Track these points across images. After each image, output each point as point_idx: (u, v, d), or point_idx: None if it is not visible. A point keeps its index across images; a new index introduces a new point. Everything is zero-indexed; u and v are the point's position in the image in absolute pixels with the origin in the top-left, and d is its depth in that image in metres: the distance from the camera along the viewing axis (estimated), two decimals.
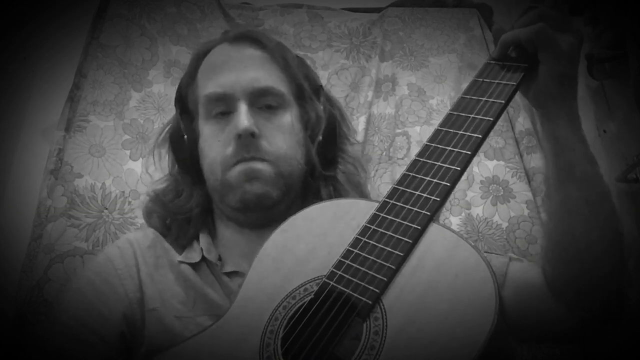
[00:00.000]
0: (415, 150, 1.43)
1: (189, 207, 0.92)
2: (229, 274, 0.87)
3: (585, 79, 1.58)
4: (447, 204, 1.38)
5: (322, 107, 0.95)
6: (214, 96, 0.89)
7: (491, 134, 1.45)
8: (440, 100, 1.52)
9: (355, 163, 0.98)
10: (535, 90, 0.75)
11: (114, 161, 1.34)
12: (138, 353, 0.82)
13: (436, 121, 1.47)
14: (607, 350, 1.28)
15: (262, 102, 0.89)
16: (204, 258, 0.89)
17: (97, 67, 1.44)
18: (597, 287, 0.74)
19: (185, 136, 0.92)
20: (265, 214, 0.88)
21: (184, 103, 0.96)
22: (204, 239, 0.91)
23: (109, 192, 1.30)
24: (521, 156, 1.45)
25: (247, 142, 0.85)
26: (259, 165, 0.86)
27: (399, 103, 1.51)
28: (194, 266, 0.88)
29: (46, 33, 1.55)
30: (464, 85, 1.60)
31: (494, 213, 1.37)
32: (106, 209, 1.29)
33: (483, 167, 1.43)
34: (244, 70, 0.90)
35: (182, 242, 0.91)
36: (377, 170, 1.43)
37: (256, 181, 0.85)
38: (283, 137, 0.89)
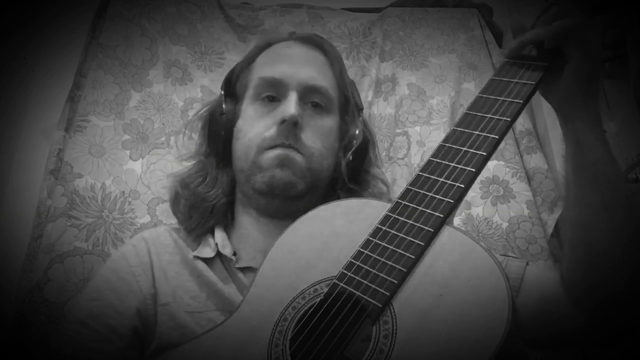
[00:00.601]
0: (415, 150, 1.44)
1: (215, 195, 0.93)
2: (243, 270, 0.87)
3: None
4: None
5: (359, 127, 0.97)
6: (269, 80, 0.92)
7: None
8: (440, 100, 1.52)
9: (379, 183, 0.99)
10: (556, 90, 0.73)
11: (114, 161, 1.34)
12: (149, 348, 0.83)
13: (436, 121, 1.48)
14: (606, 350, 1.28)
15: (311, 98, 0.92)
16: (218, 253, 0.89)
17: (97, 67, 1.44)
18: (616, 294, 0.72)
19: (224, 114, 0.94)
20: (286, 203, 0.89)
21: (232, 87, 0.98)
22: (219, 234, 0.92)
23: (109, 192, 1.30)
24: (521, 156, 1.45)
25: (289, 129, 0.87)
26: (294, 155, 0.87)
27: (399, 103, 1.51)
28: (208, 261, 0.89)
29: (46, 33, 1.55)
30: (465, 85, 1.61)
31: (494, 213, 1.37)
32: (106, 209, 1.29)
33: None
34: (302, 65, 0.93)
35: (199, 232, 0.92)
36: None
37: (287, 169, 0.87)
38: (321, 137, 0.91)
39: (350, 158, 0.94)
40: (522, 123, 1.48)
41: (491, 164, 1.43)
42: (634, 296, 0.73)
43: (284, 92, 0.90)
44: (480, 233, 1.35)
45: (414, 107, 1.51)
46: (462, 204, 1.38)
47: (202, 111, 1.01)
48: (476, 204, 1.38)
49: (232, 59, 1.54)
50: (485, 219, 1.36)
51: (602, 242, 0.71)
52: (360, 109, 1.01)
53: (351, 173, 0.94)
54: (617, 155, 1.52)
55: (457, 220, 1.36)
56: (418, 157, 1.43)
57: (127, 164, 1.35)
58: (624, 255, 0.71)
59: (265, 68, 0.94)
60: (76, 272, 1.20)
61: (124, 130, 1.38)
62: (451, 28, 1.64)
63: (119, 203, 1.30)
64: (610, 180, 0.72)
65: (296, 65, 0.93)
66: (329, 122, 0.93)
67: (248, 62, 0.98)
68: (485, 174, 1.42)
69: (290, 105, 0.87)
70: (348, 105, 0.98)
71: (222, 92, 0.98)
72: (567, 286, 0.75)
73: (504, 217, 1.36)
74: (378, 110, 1.51)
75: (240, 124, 0.93)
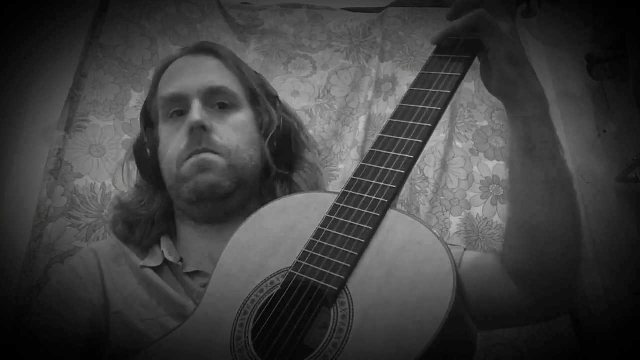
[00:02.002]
0: None
1: (153, 209, 0.96)
2: (191, 274, 0.89)
3: (585, 79, 1.58)
4: (447, 204, 1.38)
5: (275, 113, 0.99)
6: (170, 96, 0.94)
7: (491, 133, 1.47)
8: None
9: (312, 168, 1.02)
10: (495, 79, 0.77)
11: (114, 161, 1.34)
12: (102, 358, 0.84)
13: None
14: (606, 350, 1.29)
15: (215, 100, 0.94)
16: (165, 261, 0.91)
17: (97, 67, 1.44)
18: (555, 271, 0.77)
19: (146, 144, 0.97)
20: (218, 205, 0.91)
21: (148, 117, 1.01)
22: (165, 242, 0.93)
23: (109, 192, 1.30)
24: None
25: (199, 135, 0.89)
26: (210, 157, 0.89)
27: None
28: (156, 270, 0.90)
29: (46, 33, 1.55)
30: (465, 85, 1.61)
31: (494, 213, 1.37)
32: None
33: (483, 167, 1.43)
34: (198, 74, 0.95)
35: (145, 244, 0.94)
36: None
37: (208, 172, 0.89)
38: (235, 133, 0.93)
39: (275, 144, 0.96)
40: None
41: (491, 164, 1.43)
42: (570, 271, 0.78)
43: (187, 103, 0.92)
44: (480, 233, 1.35)
45: None
46: (462, 204, 1.38)
47: (130, 149, 1.04)
48: (476, 204, 1.38)
49: None
50: (485, 219, 1.36)
51: (542, 218, 0.75)
52: (274, 96, 1.03)
53: (280, 159, 0.96)
54: (617, 155, 1.52)
55: (456, 220, 1.36)
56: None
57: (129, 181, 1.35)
58: (562, 231, 0.76)
59: (166, 87, 0.96)
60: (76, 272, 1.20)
61: (124, 130, 1.38)
62: None
63: None
64: (553, 157, 0.76)
65: (192, 74, 0.95)
66: (240, 116, 0.95)
67: (153, 89, 1.01)
68: (485, 174, 1.42)
69: (194, 112, 0.90)
70: (256, 97, 1.00)
71: (142, 125, 1.01)
72: (509, 265, 0.79)
73: (504, 217, 1.36)
74: (378, 110, 1.51)
75: (161, 146, 0.96)
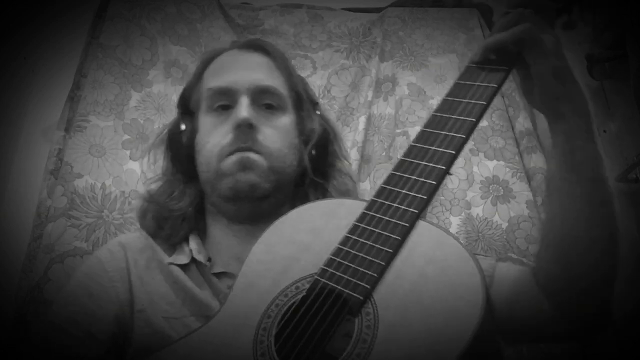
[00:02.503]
0: None
1: (183, 206, 0.94)
2: (218, 275, 0.88)
3: (585, 79, 1.58)
4: (447, 204, 1.38)
5: (316, 120, 0.98)
6: (218, 89, 0.93)
7: (491, 133, 1.47)
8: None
9: (344, 176, 1.00)
10: (539, 94, 0.75)
11: (114, 161, 1.34)
12: (127, 354, 0.83)
13: None
14: (606, 350, 1.29)
15: (263, 99, 0.92)
16: (193, 259, 0.90)
17: (97, 67, 1.44)
18: (588, 289, 0.75)
19: (183, 132, 0.95)
20: (255, 205, 0.90)
21: (186, 104, 0.99)
22: (193, 241, 0.92)
23: (109, 192, 1.30)
24: (521, 156, 1.45)
25: (245, 132, 0.88)
26: (253, 156, 0.88)
27: (399, 103, 1.51)
28: (183, 267, 0.89)
29: (46, 33, 1.55)
30: None
31: (494, 213, 1.37)
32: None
33: (483, 167, 1.43)
34: (248, 70, 0.94)
35: (174, 241, 0.92)
36: (376, 171, 1.43)
37: (250, 171, 0.87)
38: (279, 135, 0.91)
39: (313, 152, 0.95)
40: (522, 123, 1.48)
41: (491, 164, 1.43)
42: (605, 290, 0.76)
43: (234, 98, 0.91)
44: (480, 233, 1.35)
45: (414, 107, 1.51)
46: (462, 204, 1.38)
47: (162, 134, 1.02)
48: (476, 204, 1.38)
49: None
50: (485, 219, 1.36)
51: (579, 235, 0.74)
52: (315, 103, 1.02)
53: (315, 166, 0.95)
54: (617, 155, 1.52)
55: (456, 220, 1.36)
56: None
57: (127, 164, 1.35)
58: (598, 248, 0.74)
59: (214, 79, 0.95)
60: (70, 275, 1.20)
61: (124, 130, 1.38)
62: (451, 28, 1.64)
63: (119, 203, 1.30)
64: (595, 174, 0.74)
65: (242, 70, 0.94)
66: (285, 120, 0.94)
67: (197, 78, 0.99)
68: (485, 174, 1.42)
69: (242, 109, 0.89)
70: (301, 101, 0.99)
71: (179, 111, 1.00)
72: (542, 280, 0.78)
73: (504, 217, 1.36)
74: (378, 110, 1.51)
75: (199, 137, 0.94)
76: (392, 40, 1.61)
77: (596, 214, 0.74)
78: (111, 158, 1.35)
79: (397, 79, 1.55)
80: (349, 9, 1.68)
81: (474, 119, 0.71)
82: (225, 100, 0.92)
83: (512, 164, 1.43)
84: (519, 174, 1.41)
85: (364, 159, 1.44)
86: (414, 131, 1.47)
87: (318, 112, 1.01)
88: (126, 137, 1.38)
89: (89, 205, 1.28)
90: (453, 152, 0.69)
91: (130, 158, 1.36)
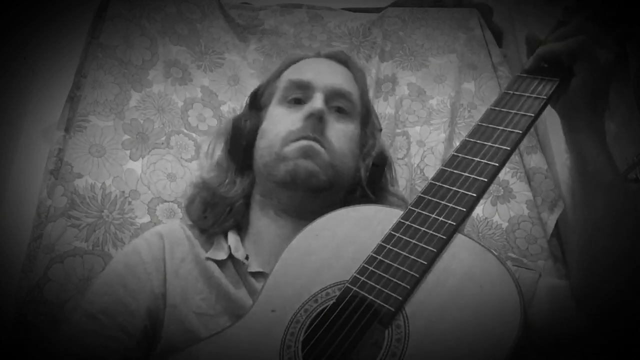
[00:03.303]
0: (415, 150, 1.44)
1: (234, 195, 0.95)
2: (255, 274, 0.87)
3: None
4: None
5: (377, 141, 1.01)
6: (297, 82, 0.96)
7: None
8: (440, 100, 1.52)
9: (399, 200, 1.02)
10: (564, 100, 0.75)
11: (114, 161, 1.34)
12: (156, 348, 0.83)
13: (436, 121, 1.48)
14: (606, 350, 1.28)
15: (336, 102, 0.95)
16: (230, 256, 0.89)
17: (97, 67, 1.44)
18: (624, 302, 0.73)
19: (248, 120, 0.97)
20: (307, 196, 0.90)
21: (258, 99, 1.03)
22: (232, 238, 0.92)
23: (109, 192, 1.30)
24: (521, 156, 1.45)
25: (315, 123, 0.90)
26: (318, 147, 0.90)
27: (399, 103, 1.51)
28: (220, 264, 0.88)
29: (46, 33, 1.55)
30: (465, 86, 1.61)
31: (494, 213, 1.37)
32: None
33: None
34: (329, 73, 0.99)
35: (214, 230, 0.93)
36: None
37: (311, 159, 0.89)
38: (344, 138, 0.94)
39: (370, 167, 0.96)
40: None
41: None
42: (634, 300, 0.74)
43: (310, 94, 0.94)
44: (480, 233, 1.35)
45: (414, 107, 1.51)
46: None
47: (224, 127, 1.05)
48: None
49: (232, 59, 1.54)
50: (485, 219, 1.36)
51: (608, 247, 0.72)
52: (379, 128, 1.06)
53: (370, 184, 0.96)
54: (617, 155, 1.52)
55: None
56: (418, 157, 1.43)
57: (127, 164, 1.35)
58: (629, 261, 0.72)
59: (294, 73, 0.99)
60: (76, 272, 1.20)
61: (124, 130, 1.38)
62: (451, 28, 1.64)
63: (119, 203, 1.30)
64: (613, 187, 0.74)
65: (323, 72, 0.98)
66: (352, 127, 0.96)
67: (276, 76, 1.03)
68: None
69: (318, 101, 0.91)
70: (369, 119, 1.02)
71: (247, 102, 1.03)
72: (577, 296, 0.76)
73: (504, 217, 1.36)
74: (378, 110, 1.51)
75: (265, 125, 0.96)
76: (392, 40, 1.61)
77: (622, 226, 0.73)
78: (111, 158, 1.35)
79: (397, 79, 1.55)
80: (349, 9, 1.68)
81: (520, 131, 0.69)
82: (300, 94, 0.95)
83: (512, 164, 1.43)
84: (519, 174, 1.41)
85: None
86: (413, 131, 1.47)
87: (379, 136, 1.04)
88: (126, 137, 1.38)
89: (89, 205, 1.28)
90: (497, 164, 0.68)
91: (130, 158, 1.36)
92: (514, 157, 1.44)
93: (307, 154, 0.89)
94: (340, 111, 0.95)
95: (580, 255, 0.76)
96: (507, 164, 1.40)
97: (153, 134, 1.40)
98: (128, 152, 1.36)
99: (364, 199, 0.95)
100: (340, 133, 0.93)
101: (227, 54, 1.55)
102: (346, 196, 0.96)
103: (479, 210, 1.37)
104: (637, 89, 1.38)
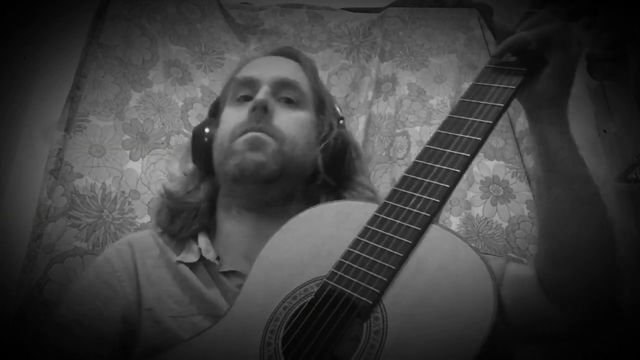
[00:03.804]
0: (415, 150, 1.44)
1: (198, 199, 0.95)
2: (227, 274, 0.88)
3: (585, 79, 1.58)
4: (447, 204, 1.38)
5: (336, 128, 1.00)
6: (242, 79, 0.97)
7: (491, 134, 1.47)
8: (440, 100, 1.52)
9: (364, 187, 1.00)
10: (530, 91, 0.76)
11: (114, 161, 1.34)
12: (133, 354, 0.83)
13: (436, 121, 1.48)
14: (606, 350, 1.29)
15: (283, 93, 0.95)
16: (201, 258, 0.90)
17: (97, 67, 1.44)
18: (590, 289, 0.75)
19: (207, 126, 0.98)
20: (260, 187, 0.90)
21: (217, 106, 1.03)
22: (202, 240, 0.92)
23: (109, 192, 1.30)
24: (521, 156, 1.45)
25: (260, 114, 0.90)
26: (264, 137, 0.89)
27: (399, 103, 1.51)
28: (192, 266, 0.89)
29: (46, 33, 1.55)
30: (465, 86, 1.61)
31: (494, 213, 1.37)
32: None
33: (483, 167, 1.43)
34: (275, 67, 0.99)
35: (183, 235, 0.93)
36: (376, 170, 1.43)
37: (257, 150, 0.89)
38: (294, 125, 0.93)
39: (329, 154, 0.95)
40: (522, 123, 1.48)
41: (491, 164, 1.43)
42: (607, 287, 0.77)
43: (256, 89, 0.94)
44: (480, 233, 1.35)
45: (414, 107, 1.51)
46: (462, 204, 1.38)
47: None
48: (476, 204, 1.38)
49: (232, 59, 1.54)
50: (485, 219, 1.36)
51: (575, 239, 0.75)
52: (339, 117, 1.05)
53: (329, 168, 0.95)
54: (617, 155, 1.52)
55: (456, 220, 1.36)
56: None
57: (127, 164, 1.35)
58: (597, 252, 0.75)
59: (239, 72, 1.00)
60: (76, 272, 1.20)
61: (124, 130, 1.38)
62: (451, 28, 1.64)
63: (119, 203, 1.30)
64: (576, 177, 0.76)
65: (269, 67, 0.99)
66: (303, 115, 0.96)
67: (229, 80, 1.04)
68: (485, 174, 1.42)
69: (260, 93, 0.92)
70: (324, 107, 1.01)
71: (209, 112, 1.05)
72: (542, 281, 0.79)
73: (504, 217, 1.36)
74: (378, 110, 1.51)
75: (220, 126, 0.97)
76: (392, 40, 1.61)
77: (585, 214, 0.75)
78: (111, 158, 1.35)
79: (397, 79, 1.55)
80: (349, 9, 1.68)
81: (490, 121, 0.70)
82: (247, 91, 0.95)
83: (512, 164, 1.43)
84: (519, 174, 1.41)
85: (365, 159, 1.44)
86: (414, 131, 1.47)
87: (341, 122, 1.03)
88: (126, 137, 1.38)
89: (89, 205, 1.28)
90: (468, 155, 0.68)
91: (130, 158, 1.36)
92: (514, 157, 1.44)
93: (253, 145, 0.89)
94: (289, 102, 0.95)
95: (548, 244, 0.78)
96: (507, 164, 1.42)
97: (153, 134, 1.40)
98: (128, 152, 1.36)
99: (325, 188, 0.94)
100: (290, 120, 0.93)
101: (227, 54, 1.55)
102: (307, 185, 0.95)
103: (478, 210, 1.37)
104: (637, 89, 1.39)
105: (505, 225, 1.35)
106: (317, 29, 1.62)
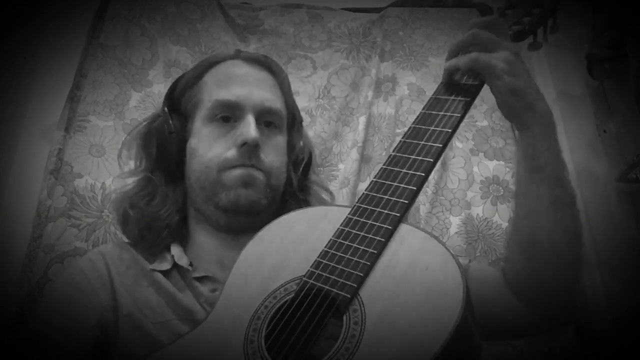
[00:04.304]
0: None
1: (166, 214, 0.94)
2: (200, 279, 0.89)
3: (585, 79, 1.58)
4: (447, 204, 1.38)
5: (303, 139, 1.03)
6: (225, 102, 0.94)
7: (491, 133, 1.47)
8: None
9: (322, 191, 1.06)
10: (500, 108, 0.81)
11: (114, 161, 1.34)
12: (113, 358, 0.84)
13: None
14: (606, 349, 1.29)
15: (265, 118, 0.95)
16: (174, 265, 0.91)
17: (97, 67, 1.44)
18: (556, 288, 0.79)
19: (174, 133, 0.95)
20: (249, 219, 0.92)
21: (177, 102, 0.99)
22: (175, 249, 0.93)
23: (109, 192, 1.30)
24: None
25: (251, 150, 0.90)
26: (256, 174, 0.91)
27: (399, 103, 1.51)
28: (165, 273, 0.90)
29: (46, 33, 1.55)
30: None
31: (494, 213, 1.37)
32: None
33: (483, 167, 1.43)
34: (257, 88, 0.96)
35: (155, 250, 0.93)
36: (376, 171, 1.43)
37: (251, 187, 0.90)
38: (276, 154, 0.95)
39: (300, 173, 0.99)
40: None
41: (491, 164, 1.43)
42: (570, 286, 0.81)
43: (239, 114, 0.93)
44: (480, 233, 1.35)
45: (414, 107, 1.51)
46: (462, 204, 1.38)
47: (140, 127, 1.02)
48: (476, 204, 1.38)
49: None
50: (485, 219, 1.36)
51: (544, 234, 0.78)
52: (299, 121, 1.07)
53: (300, 185, 0.99)
54: (617, 155, 1.52)
55: (456, 220, 1.36)
56: None
57: (127, 164, 1.35)
58: (563, 248, 0.78)
59: (221, 90, 0.95)
60: (50, 285, 1.20)
61: (124, 130, 1.38)
62: (451, 28, 1.64)
63: None
64: (557, 177, 0.79)
65: (250, 86, 0.96)
66: (280, 139, 0.98)
67: (195, 79, 0.99)
68: (485, 173, 1.42)
69: (251, 129, 0.90)
70: (294, 122, 1.04)
71: (166, 110, 0.98)
72: (510, 277, 0.82)
73: (504, 217, 1.36)
74: (378, 110, 1.51)
75: (195, 143, 0.94)
76: (392, 40, 1.61)
77: (560, 215, 0.78)
78: (111, 158, 1.35)
79: (397, 79, 1.55)
80: (349, 9, 1.68)
81: (450, 130, 0.76)
82: (229, 113, 0.94)
83: (512, 164, 1.43)
84: None
85: (364, 159, 1.44)
86: None
87: (301, 130, 1.06)
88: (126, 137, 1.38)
89: (89, 205, 1.28)
90: (431, 160, 0.74)
91: (130, 158, 1.36)
92: (514, 157, 1.44)
93: (246, 182, 0.90)
94: (269, 125, 0.96)
95: (521, 244, 0.81)
96: (507, 164, 1.42)
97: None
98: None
99: (295, 201, 0.98)
100: (273, 150, 0.94)
101: None
102: (281, 204, 0.98)
103: (478, 210, 1.37)
104: (637, 89, 1.39)
105: (505, 225, 1.35)
106: (317, 29, 1.62)
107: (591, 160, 1.50)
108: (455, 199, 1.38)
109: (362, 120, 1.47)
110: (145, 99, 1.44)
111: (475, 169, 1.43)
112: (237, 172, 0.90)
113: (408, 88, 1.54)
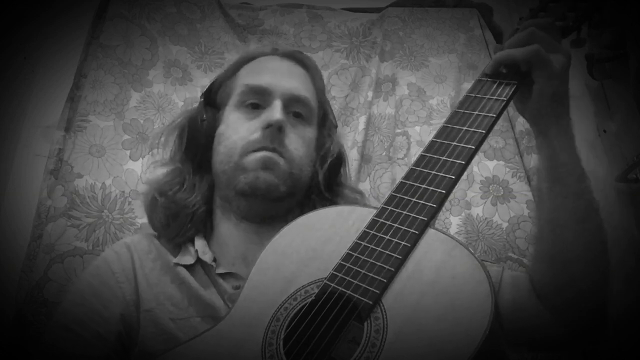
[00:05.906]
0: (415, 150, 1.44)
1: (194, 202, 0.94)
2: (223, 275, 0.89)
3: (585, 79, 1.58)
4: (447, 204, 1.38)
5: (334, 141, 1.02)
6: (255, 87, 0.95)
7: (491, 133, 1.47)
8: (440, 100, 1.52)
9: (355, 193, 1.04)
10: (530, 108, 0.79)
11: (114, 161, 1.34)
12: (132, 354, 0.84)
13: (436, 121, 1.48)
14: (606, 349, 1.29)
15: (294, 107, 0.95)
16: (198, 260, 0.90)
17: (97, 67, 1.44)
18: (582, 298, 0.77)
19: (205, 121, 0.96)
20: (266, 205, 0.91)
21: (212, 96, 1.01)
22: (199, 242, 0.92)
23: (109, 192, 1.30)
24: (521, 156, 1.45)
25: (274, 133, 0.90)
26: (277, 158, 0.90)
27: (399, 103, 1.51)
28: (189, 268, 0.90)
29: (46, 33, 1.55)
30: (465, 85, 1.62)
31: (494, 213, 1.37)
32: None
33: (483, 167, 1.43)
34: (286, 77, 0.97)
35: (179, 241, 0.93)
36: (376, 171, 1.43)
37: (270, 171, 0.89)
38: (302, 144, 0.94)
39: (327, 169, 0.97)
40: (522, 123, 1.48)
41: (491, 164, 1.43)
42: (598, 298, 0.78)
43: (268, 100, 0.93)
44: (480, 233, 1.35)
45: (414, 107, 1.51)
46: (462, 204, 1.38)
47: (178, 120, 1.03)
48: (476, 204, 1.38)
49: (232, 59, 1.53)
50: (485, 219, 1.36)
51: (572, 249, 0.76)
52: (334, 125, 1.06)
53: (326, 183, 0.97)
54: (617, 155, 1.52)
55: (456, 220, 1.36)
56: None
57: (127, 164, 1.35)
58: (592, 262, 0.76)
59: (251, 77, 0.97)
60: (76, 272, 1.20)
61: (124, 130, 1.38)
62: (451, 28, 1.64)
63: (119, 203, 1.30)
64: (579, 187, 0.77)
65: (280, 76, 0.96)
66: (309, 132, 0.97)
67: (232, 73, 1.01)
68: (485, 174, 1.42)
69: (276, 111, 0.90)
70: (326, 120, 1.03)
71: (202, 100, 1.01)
72: (536, 288, 0.80)
73: (504, 217, 1.36)
74: (378, 110, 1.51)
75: (223, 129, 0.95)
76: (392, 40, 1.61)
77: (583, 226, 0.76)
78: (111, 158, 1.35)
79: (397, 79, 1.55)
80: (349, 9, 1.68)
81: (483, 131, 0.72)
82: (257, 99, 0.94)
83: (512, 164, 1.43)
84: (519, 174, 1.41)
85: (364, 158, 1.44)
86: (414, 131, 1.47)
87: (335, 134, 1.04)
88: (126, 137, 1.38)
89: (89, 205, 1.28)
90: (463, 162, 0.70)
91: (130, 158, 1.36)
92: (514, 157, 1.44)
93: (266, 165, 0.89)
94: (298, 116, 0.95)
95: (547, 255, 0.79)
96: (507, 164, 1.42)
97: (153, 134, 1.39)
98: (128, 152, 1.36)
99: (320, 199, 0.96)
100: (299, 141, 0.93)
101: (227, 54, 1.55)
102: (303, 199, 0.97)
103: (478, 210, 1.37)
104: (637, 89, 1.39)
105: (505, 225, 1.35)
106: (317, 29, 1.62)
107: (591, 160, 1.50)
108: (455, 199, 1.38)
109: (362, 120, 1.47)
110: (146, 99, 1.44)
111: (475, 169, 1.43)
112: (259, 155, 0.89)
113: (408, 88, 1.54)
